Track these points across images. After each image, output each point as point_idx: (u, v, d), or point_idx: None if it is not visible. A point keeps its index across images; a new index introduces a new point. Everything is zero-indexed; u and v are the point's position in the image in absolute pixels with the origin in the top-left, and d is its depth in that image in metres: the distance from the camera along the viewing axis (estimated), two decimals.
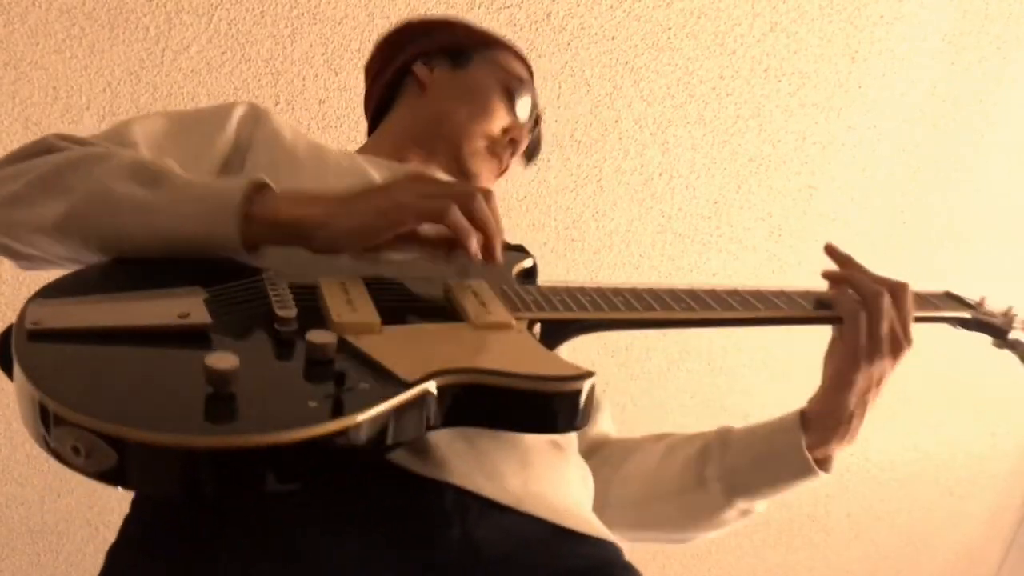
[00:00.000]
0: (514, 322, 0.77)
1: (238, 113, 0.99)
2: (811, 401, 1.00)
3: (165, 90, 1.97)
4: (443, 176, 1.08)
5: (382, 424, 0.61)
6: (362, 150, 1.18)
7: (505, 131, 1.16)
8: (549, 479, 0.82)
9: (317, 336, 0.64)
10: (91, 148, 0.81)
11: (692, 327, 0.91)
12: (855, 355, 0.93)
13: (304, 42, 1.95)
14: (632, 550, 0.86)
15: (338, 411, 0.59)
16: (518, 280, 0.94)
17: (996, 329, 1.15)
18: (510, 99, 1.17)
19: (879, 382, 0.96)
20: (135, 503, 0.78)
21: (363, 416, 0.59)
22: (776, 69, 2.13)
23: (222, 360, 0.58)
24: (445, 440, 0.74)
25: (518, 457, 0.80)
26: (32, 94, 1.94)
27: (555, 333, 0.84)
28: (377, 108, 1.25)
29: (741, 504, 1.01)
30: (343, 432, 0.58)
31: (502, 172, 1.19)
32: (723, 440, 1.03)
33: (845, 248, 1.02)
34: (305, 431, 0.57)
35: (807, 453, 0.97)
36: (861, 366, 0.93)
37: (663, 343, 2.51)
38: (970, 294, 1.14)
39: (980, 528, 3.11)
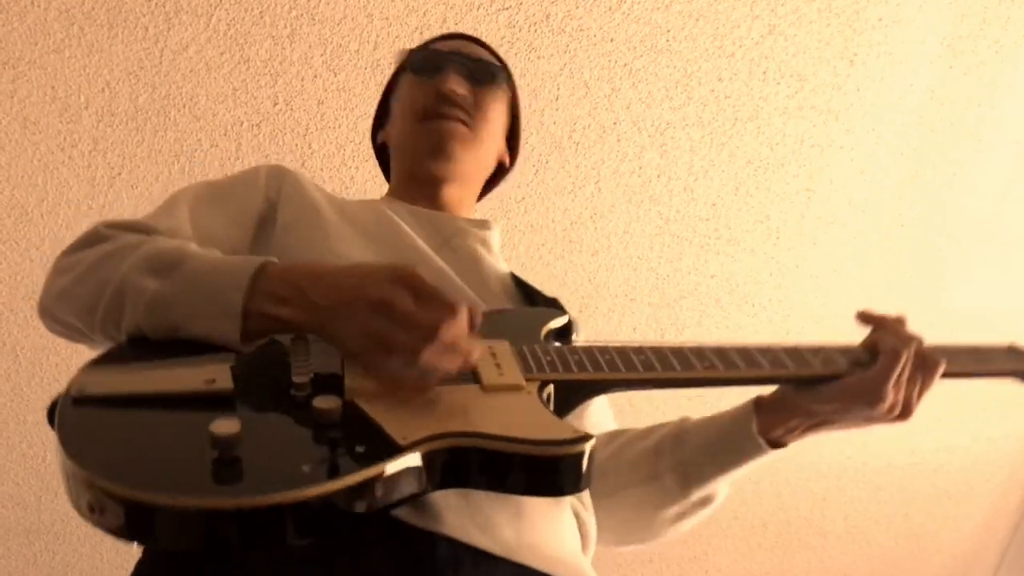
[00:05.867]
0: (525, 384, 0.78)
1: (263, 173, 1.05)
2: (781, 391, 1.01)
3: (164, 90, 1.97)
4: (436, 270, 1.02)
5: (373, 486, 0.63)
6: (385, 198, 1.21)
7: (427, 104, 1.13)
8: (543, 529, 0.83)
9: (323, 402, 0.67)
10: (126, 239, 0.86)
11: (714, 386, 0.93)
12: (870, 391, 0.95)
13: (303, 43, 1.95)
14: (627, 553, 0.87)
15: (330, 474, 0.61)
16: (548, 338, 0.94)
17: None
18: (417, 73, 1.16)
19: (856, 424, 0.99)
20: (146, 552, 0.82)
21: (352, 479, 0.62)
22: (774, 72, 2.13)
23: (224, 426, 0.62)
24: (440, 492, 0.74)
25: (512, 507, 0.81)
26: (31, 93, 1.94)
27: (571, 394, 0.84)
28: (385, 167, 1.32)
29: (698, 493, 1.02)
30: (332, 494, 0.61)
31: (475, 116, 1.14)
32: (678, 432, 1.05)
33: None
34: (293, 493, 0.59)
35: (757, 436, 0.99)
36: (867, 402, 0.95)
37: None
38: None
39: (977, 531, 3.11)
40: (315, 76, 1.99)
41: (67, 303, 0.84)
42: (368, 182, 2.15)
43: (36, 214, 2.10)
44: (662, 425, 1.08)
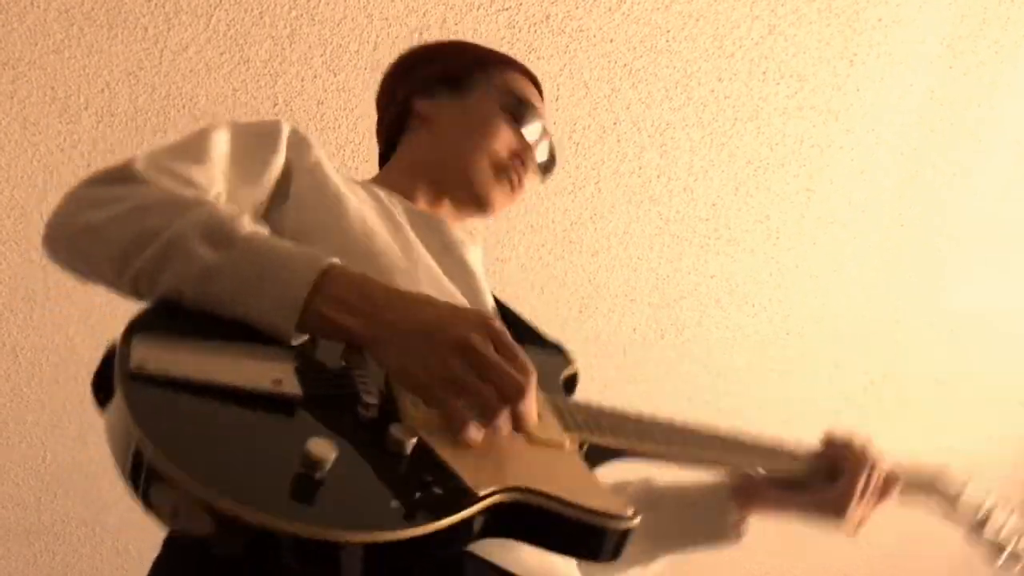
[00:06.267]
0: (567, 443, 0.80)
1: (285, 134, 1.01)
2: (756, 483, 1.11)
3: (164, 91, 1.97)
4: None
5: (445, 532, 0.63)
6: (375, 180, 1.18)
7: (512, 153, 1.15)
8: (559, 557, 0.85)
9: (398, 432, 0.67)
10: (173, 192, 0.82)
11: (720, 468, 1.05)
12: (840, 505, 1.09)
13: (303, 43, 1.95)
14: None
15: (421, 517, 0.61)
16: (564, 388, 0.98)
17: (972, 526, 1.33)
18: (514, 120, 1.16)
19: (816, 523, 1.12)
20: (168, 545, 0.81)
21: (441, 524, 0.62)
22: (774, 72, 2.13)
23: (322, 448, 0.60)
24: None
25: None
26: (30, 94, 1.94)
27: (597, 456, 0.87)
28: (386, 143, 1.26)
29: (661, 562, 1.11)
30: (419, 538, 0.61)
31: (517, 190, 1.18)
32: (650, 499, 1.10)
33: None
34: (387, 533, 0.59)
35: (731, 529, 1.11)
36: (836, 513, 1.10)
37: (659, 345, 2.51)
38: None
39: None
40: (315, 77, 1.99)
41: (97, 242, 0.78)
42: None
43: (36, 215, 2.10)
44: (627, 483, 1.12)
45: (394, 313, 0.73)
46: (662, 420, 0.97)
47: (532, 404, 0.73)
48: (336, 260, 0.76)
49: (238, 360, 0.69)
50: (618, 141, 2.17)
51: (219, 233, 0.76)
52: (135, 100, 1.97)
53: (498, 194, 1.15)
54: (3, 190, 2.05)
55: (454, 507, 0.64)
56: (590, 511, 0.70)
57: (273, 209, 0.95)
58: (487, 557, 0.75)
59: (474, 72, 1.20)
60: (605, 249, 2.32)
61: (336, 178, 1.02)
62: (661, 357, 2.52)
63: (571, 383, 1.02)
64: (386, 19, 1.94)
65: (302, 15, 1.92)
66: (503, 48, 1.99)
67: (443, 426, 0.71)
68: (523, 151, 1.16)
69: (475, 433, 0.71)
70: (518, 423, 0.72)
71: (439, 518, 0.62)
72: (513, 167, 1.15)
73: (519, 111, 1.17)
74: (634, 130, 2.16)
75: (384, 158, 1.27)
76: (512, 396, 0.71)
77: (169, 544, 0.81)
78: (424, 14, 1.94)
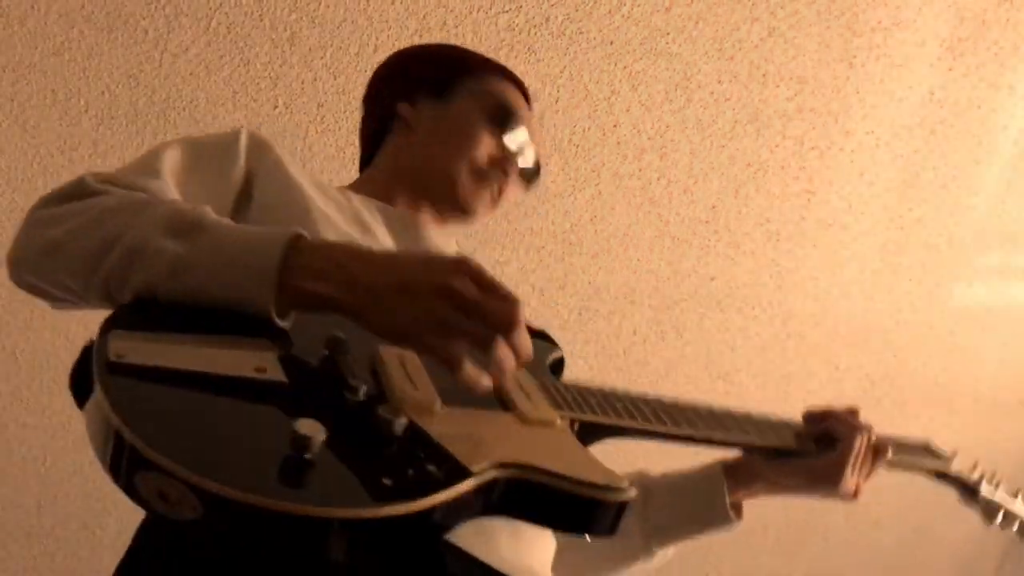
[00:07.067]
0: (558, 421, 0.80)
1: (243, 141, 1.00)
2: (749, 460, 1.11)
3: (163, 93, 1.97)
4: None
5: (437, 510, 0.63)
6: (353, 186, 1.17)
7: (493, 161, 1.14)
8: (534, 553, 0.85)
9: (388, 412, 0.66)
10: (130, 195, 0.81)
11: (710, 446, 1.03)
12: (834, 473, 1.09)
13: (303, 46, 1.95)
14: None
15: (414, 492, 0.61)
16: (551, 371, 0.98)
17: (967, 488, 1.38)
18: (497, 127, 1.15)
19: (812, 497, 1.13)
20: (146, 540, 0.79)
21: (433, 500, 0.62)
22: (774, 74, 2.13)
23: (311, 428, 0.59)
24: None
25: (510, 528, 0.81)
26: (31, 97, 1.94)
27: (586, 435, 0.87)
28: (367, 145, 1.25)
29: (660, 554, 1.11)
30: (414, 514, 0.60)
31: (498, 199, 1.16)
32: (642, 489, 1.10)
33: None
34: (382, 509, 0.59)
35: (729, 509, 1.09)
36: (831, 483, 1.10)
37: (660, 347, 2.51)
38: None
39: (977, 533, 3.11)
40: (315, 79, 1.99)
41: (59, 258, 0.78)
42: None
43: None
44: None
45: (369, 276, 0.72)
46: (652, 398, 0.96)
47: (524, 334, 0.71)
48: (301, 230, 0.76)
49: (220, 349, 0.69)
50: (618, 143, 2.17)
51: (182, 225, 0.75)
52: (135, 103, 1.97)
53: (478, 201, 1.14)
54: (3, 192, 2.05)
55: (448, 483, 0.63)
56: (586, 483, 0.69)
57: (237, 215, 0.94)
58: (468, 549, 0.75)
59: (458, 77, 1.18)
60: (605, 251, 2.32)
61: (300, 177, 1.01)
62: (661, 359, 2.52)
63: (558, 368, 1.01)
64: (386, 21, 1.94)
65: (302, 17, 1.92)
66: (503, 50, 1.99)
67: (431, 408, 0.71)
68: (504, 159, 1.14)
69: (476, 373, 0.70)
70: (517, 353, 0.71)
71: (433, 493, 0.62)
72: (494, 175, 1.13)
73: (502, 118, 1.15)
74: (634, 132, 2.16)
75: (366, 160, 1.26)
76: (503, 326, 0.70)
77: (144, 532, 0.80)
78: (424, 17, 1.95)
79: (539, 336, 1.02)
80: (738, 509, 1.12)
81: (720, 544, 2.89)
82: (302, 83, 1.99)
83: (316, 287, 0.72)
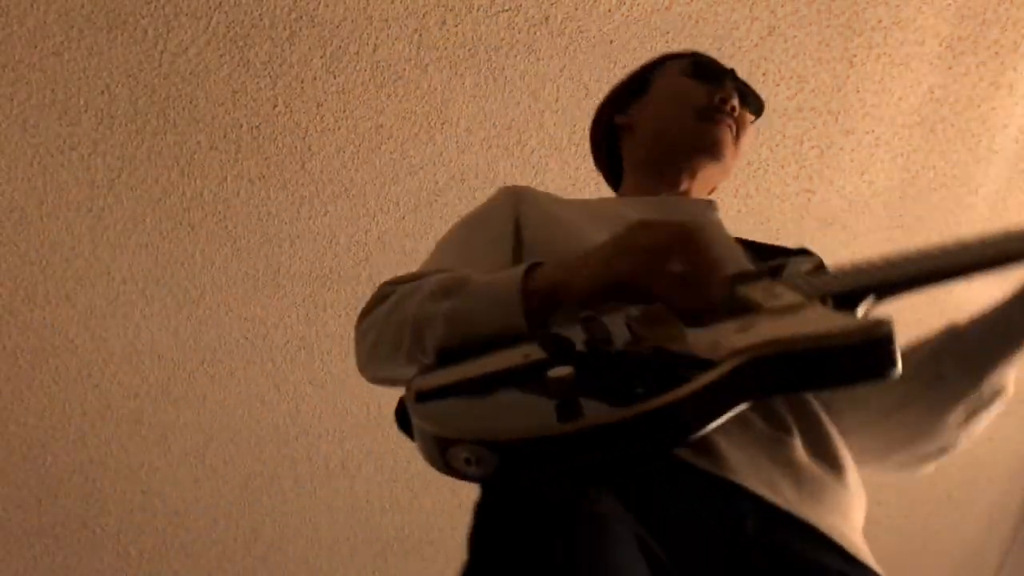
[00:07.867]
0: (807, 301, 0.81)
1: (502, 197, 1.16)
2: None
3: (163, 93, 1.97)
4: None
5: (702, 399, 0.70)
6: (620, 193, 1.33)
7: (711, 98, 1.22)
8: (820, 501, 0.89)
9: (631, 345, 0.77)
10: (404, 287, 1.00)
11: (979, 272, 0.94)
12: None
13: (302, 45, 1.95)
14: None
15: (664, 390, 0.70)
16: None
17: None
18: (700, 76, 1.26)
19: None
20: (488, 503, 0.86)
21: (685, 391, 0.69)
22: (774, 73, 2.13)
23: (558, 371, 0.72)
24: (726, 445, 0.85)
25: (792, 475, 0.88)
26: (30, 96, 1.94)
27: (847, 301, 0.86)
28: (610, 166, 1.41)
29: (989, 381, 1.01)
30: (669, 406, 0.69)
31: (738, 132, 1.24)
32: (951, 333, 1.05)
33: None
34: (636, 408, 0.69)
35: None
36: None
37: None
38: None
39: (978, 534, 3.11)
40: (314, 78, 1.99)
41: (378, 357, 0.98)
42: (367, 184, 2.15)
43: (36, 216, 2.10)
44: (925, 338, 1.08)
45: (592, 254, 0.87)
46: (908, 252, 0.93)
47: (710, 249, 0.81)
48: (535, 260, 0.91)
49: (492, 357, 0.84)
50: None
51: (448, 288, 0.93)
52: (135, 102, 1.97)
53: (716, 135, 1.21)
54: (3, 191, 2.05)
55: (698, 376, 0.70)
56: (844, 333, 0.71)
57: (518, 260, 1.07)
58: (754, 489, 0.83)
59: (649, 72, 1.34)
60: None
61: (554, 207, 1.14)
62: None
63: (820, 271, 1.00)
64: (385, 20, 1.94)
65: (302, 17, 1.92)
66: (503, 50, 2.00)
67: (675, 334, 0.79)
68: (720, 94, 1.23)
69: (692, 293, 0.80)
70: (713, 265, 0.81)
71: (689, 384, 0.69)
72: (718, 110, 1.22)
73: (700, 70, 1.27)
74: None
75: (615, 181, 1.40)
76: (691, 254, 0.81)
77: (486, 490, 0.87)
78: (423, 16, 1.95)
79: (798, 253, 1.05)
80: None
81: None
82: (301, 83, 1.99)
83: (553, 288, 0.87)
